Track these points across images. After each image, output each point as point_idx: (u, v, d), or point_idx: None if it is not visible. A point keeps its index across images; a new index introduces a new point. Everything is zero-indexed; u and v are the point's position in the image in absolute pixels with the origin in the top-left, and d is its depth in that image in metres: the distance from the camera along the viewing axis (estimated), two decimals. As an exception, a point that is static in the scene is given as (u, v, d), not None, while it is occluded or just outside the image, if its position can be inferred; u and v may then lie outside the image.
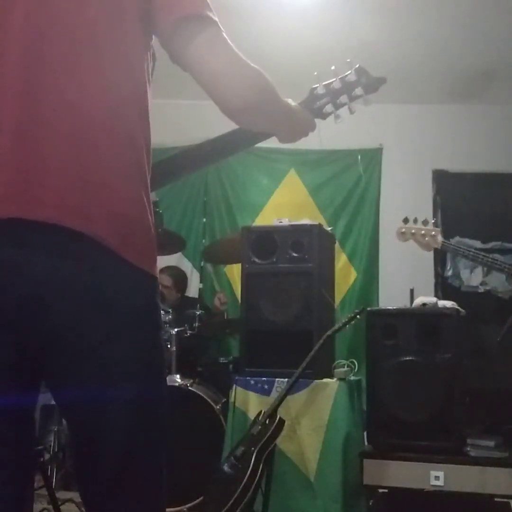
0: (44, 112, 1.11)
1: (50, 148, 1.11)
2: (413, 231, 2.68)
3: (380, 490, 3.15)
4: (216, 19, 1.22)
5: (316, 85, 1.48)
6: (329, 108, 1.48)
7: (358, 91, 1.48)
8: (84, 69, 1.14)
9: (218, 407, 3.65)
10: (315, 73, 1.48)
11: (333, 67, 1.48)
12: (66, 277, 1.09)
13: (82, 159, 1.12)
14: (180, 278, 4.76)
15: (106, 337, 1.12)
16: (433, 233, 2.62)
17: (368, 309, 3.39)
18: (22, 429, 1.20)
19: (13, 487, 1.18)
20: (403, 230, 2.73)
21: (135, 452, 1.17)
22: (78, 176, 1.11)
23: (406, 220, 2.79)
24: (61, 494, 3.34)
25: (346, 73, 1.48)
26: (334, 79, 1.48)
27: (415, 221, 2.72)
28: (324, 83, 1.48)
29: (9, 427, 1.17)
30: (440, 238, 2.62)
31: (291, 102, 1.39)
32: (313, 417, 3.20)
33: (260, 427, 2.94)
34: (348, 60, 1.49)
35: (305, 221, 3.63)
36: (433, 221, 2.61)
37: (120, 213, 1.14)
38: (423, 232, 2.65)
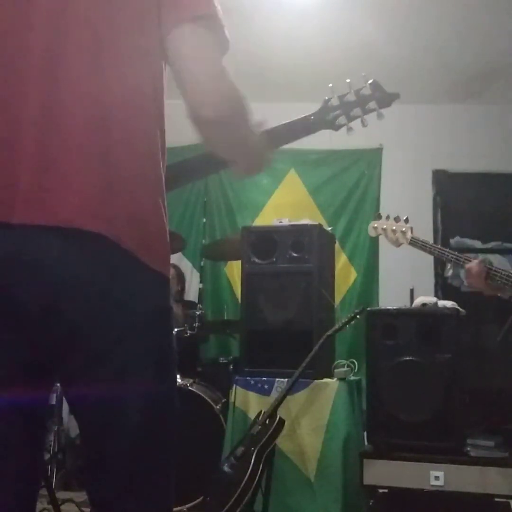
0: (66, 111, 1.11)
1: (70, 150, 1.11)
2: (384, 226, 2.74)
3: (380, 490, 3.14)
4: (217, 19, 1.21)
5: (329, 97, 1.49)
6: (342, 120, 1.49)
7: (372, 104, 1.49)
8: (105, 64, 1.14)
9: (218, 407, 3.64)
10: (330, 85, 1.49)
11: (348, 80, 1.49)
12: (83, 279, 1.10)
13: (103, 161, 1.12)
14: (180, 271, 4.80)
15: (121, 338, 1.13)
16: (404, 229, 2.66)
17: (368, 309, 3.39)
18: (34, 429, 1.20)
19: (25, 487, 1.19)
20: (375, 225, 2.79)
21: (144, 452, 1.17)
22: (100, 179, 1.11)
23: (379, 216, 2.84)
24: (61, 494, 3.34)
25: (361, 87, 1.49)
26: (348, 91, 1.49)
27: (388, 217, 2.77)
28: (338, 95, 1.49)
29: (22, 427, 1.17)
30: (409, 234, 2.67)
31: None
32: (313, 417, 3.21)
33: (260, 427, 2.94)
34: (363, 74, 1.50)
35: (305, 221, 3.64)
36: (404, 218, 2.64)
37: (138, 214, 1.14)
38: (394, 227, 2.70)
